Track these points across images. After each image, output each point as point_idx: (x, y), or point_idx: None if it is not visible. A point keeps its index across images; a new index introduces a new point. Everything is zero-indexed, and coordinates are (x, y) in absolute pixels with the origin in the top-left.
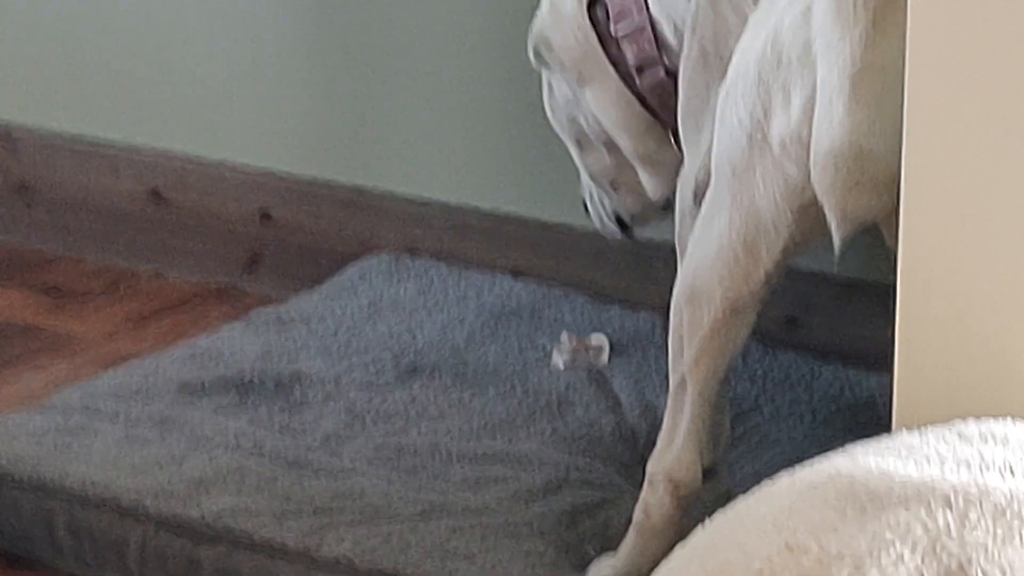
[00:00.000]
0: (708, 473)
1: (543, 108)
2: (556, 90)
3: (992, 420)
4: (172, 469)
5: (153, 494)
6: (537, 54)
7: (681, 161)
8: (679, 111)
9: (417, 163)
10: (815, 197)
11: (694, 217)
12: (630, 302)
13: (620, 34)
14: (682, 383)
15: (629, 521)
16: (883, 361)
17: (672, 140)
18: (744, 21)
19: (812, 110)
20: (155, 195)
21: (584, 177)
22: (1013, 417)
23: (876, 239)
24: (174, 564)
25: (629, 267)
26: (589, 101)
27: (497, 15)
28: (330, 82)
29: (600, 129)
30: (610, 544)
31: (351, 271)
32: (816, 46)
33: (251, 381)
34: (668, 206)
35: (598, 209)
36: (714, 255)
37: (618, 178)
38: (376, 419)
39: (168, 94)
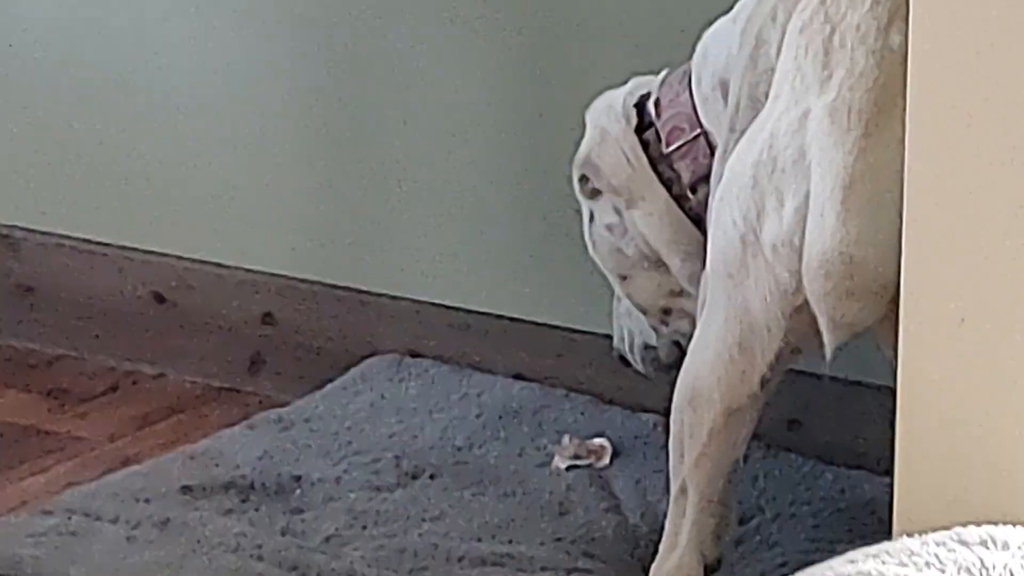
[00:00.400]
0: (711, 570)
1: (545, 211)
2: (598, 220)
3: (992, 525)
4: (173, 572)
5: None
6: (584, 180)
7: None
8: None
9: (419, 265)
10: (807, 301)
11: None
12: (631, 405)
13: (673, 151)
14: (683, 488)
15: None
16: (884, 463)
17: None
18: None
19: (804, 216)
20: (157, 297)
21: (617, 324)
22: (1013, 523)
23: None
24: None
25: (630, 369)
26: (638, 222)
27: (501, 117)
28: (332, 185)
29: (650, 250)
30: None
31: (353, 372)
32: (810, 153)
33: (252, 483)
34: None
35: (634, 353)
36: (712, 358)
37: (669, 303)
38: (377, 521)
39: (171, 197)
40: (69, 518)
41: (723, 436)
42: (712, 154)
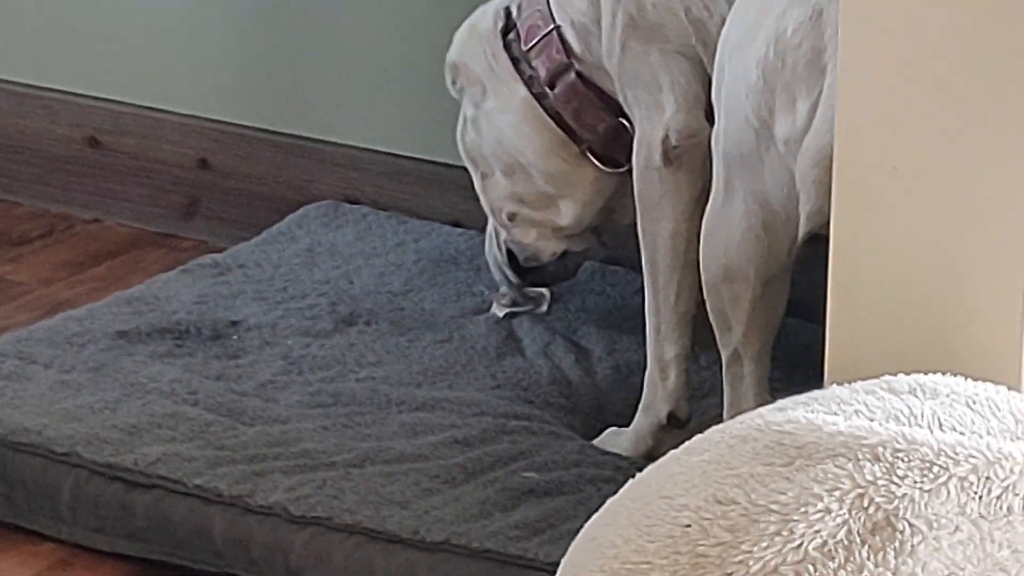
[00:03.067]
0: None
1: None
2: (463, 115)
3: (921, 374)
4: (106, 416)
5: (86, 441)
6: (453, 80)
7: (602, 171)
8: (619, 81)
9: (356, 111)
10: None
11: (663, 177)
12: None
13: (530, 49)
14: (735, 356)
15: (561, 466)
16: (819, 312)
17: (590, 158)
18: None
19: (816, 112)
20: (92, 141)
21: (491, 221)
22: (943, 371)
23: None
24: (107, 510)
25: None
26: (495, 119)
27: None
28: (269, 30)
29: (503, 151)
30: (547, 485)
31: (289, 218)
32: (827, 54)
33: (187, 328)
34: (565, 255)
35: (495, 256)
36: (739, 237)
37: (517, 209)
38: (313, 366)
39: (106, 40)
40: (3, 362)
41: (765, 303)
42: (566, 51)
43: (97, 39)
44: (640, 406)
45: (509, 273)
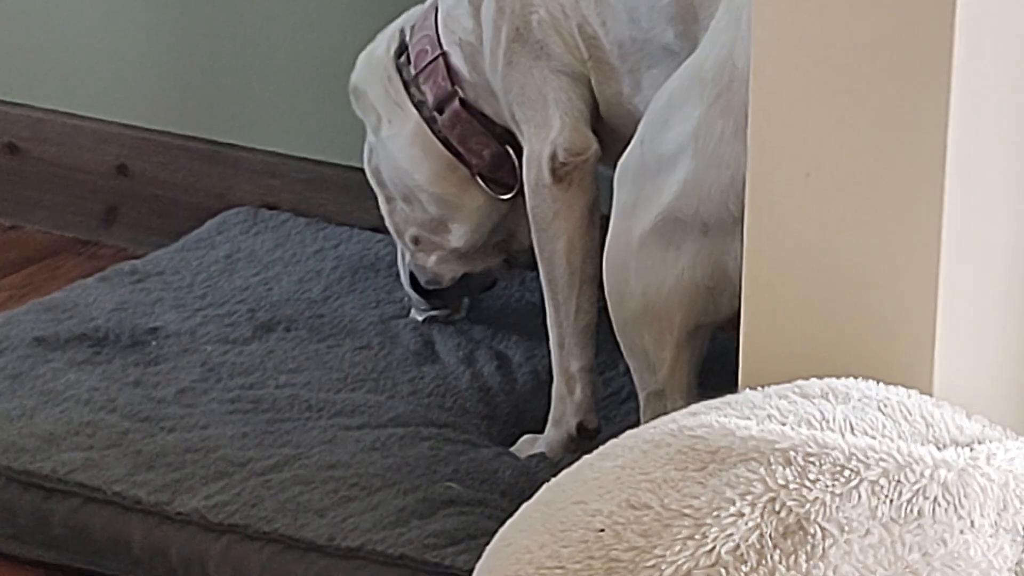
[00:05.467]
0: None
1: None
2: (368, 138)
3: (833, 378)
4: (23, 423)
5: (2, 448)
6: (355, 104)
7: (491, 196)
8: (504, 99)
9: (274, 117)
10: None
11: (554, 195)
12: None
13: (419, 73)
14: (658, 394)
15: (478, 474)
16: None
17: (479, 182)
18: None
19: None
20: (10, 147)
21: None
22: (854, 375)
23: None
24: (24, 518)
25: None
26: (388, 143)
27: None
28: (186, 35)
29: (398, 179)
30: (466, 494)
31: (208, 225)
32: None
33: (105, 335)
34: (466, 277)
35: (405, 272)
36: (672, 284)
37: (419, 234)
38: (232, 372)
39: (23, 46)
40: None
41: (699, 336)
42: (451, 77)
43: (14, 46)
44: (549, 419)
45: (412, 294)
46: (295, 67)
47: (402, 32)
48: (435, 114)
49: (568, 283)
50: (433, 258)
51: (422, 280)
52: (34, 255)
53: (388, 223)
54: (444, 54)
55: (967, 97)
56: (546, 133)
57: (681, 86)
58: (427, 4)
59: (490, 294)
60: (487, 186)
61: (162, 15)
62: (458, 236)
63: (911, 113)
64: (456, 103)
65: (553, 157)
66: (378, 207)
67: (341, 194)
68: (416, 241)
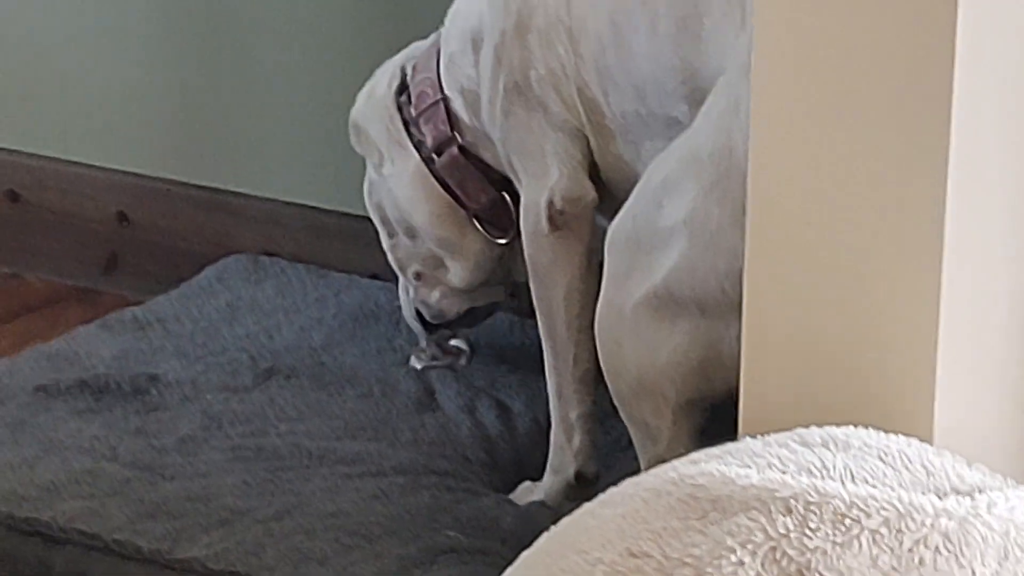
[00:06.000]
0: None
1: None
2: (368, 174)
3: (834, 427)
4: (24, 472)
5: (4, 497)
6: (356, 141)
7: (489, 236)
8: (502, 148)
9: (275, 165)
10: None
11: (552, 243)
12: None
13: (419, 115)
14: (660, 462)
15: (479, 522)
16: None
17: (476, 225)
18: (553, 53)
19: None
20: (11, 195)
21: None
22: (855, 424)
23: None
24: (25, 567)
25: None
26: (388, 181)
27: (355, 19)
28: (187, 84)
29: (399, 215)
30: (467, 543)
31: (209, 272)
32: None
33: (107, 383)
34: (471, 312)
35: (409, 306)
36: (665, 359)
37: (422, 269)
38: (233, 421)
39: (24, 95)
40: None
41: (700, 400)
42: (451, 122)
43: (15, 94)
44: (548, 466)
45: (418, 328)
46: (295, 115)
47: (403, 70)
48: (434, 155)
49: (566, 331)
50: (436, 293)
51: (427, 315)
52: (35, 303)
53: (391, 258)
54: (445, 99)
55: (964, 150)
56: (544, 182)
57: (677, 167)
58: (429, 44)
59: (490, 341)
60: (484, 229)
61: (162, 64)
62: (457, 275)
63: (916, 161)
64: (454, 148)
65: (551, 205)
66: (380, 249)
67: (342, 242)
68: (419, 276)
